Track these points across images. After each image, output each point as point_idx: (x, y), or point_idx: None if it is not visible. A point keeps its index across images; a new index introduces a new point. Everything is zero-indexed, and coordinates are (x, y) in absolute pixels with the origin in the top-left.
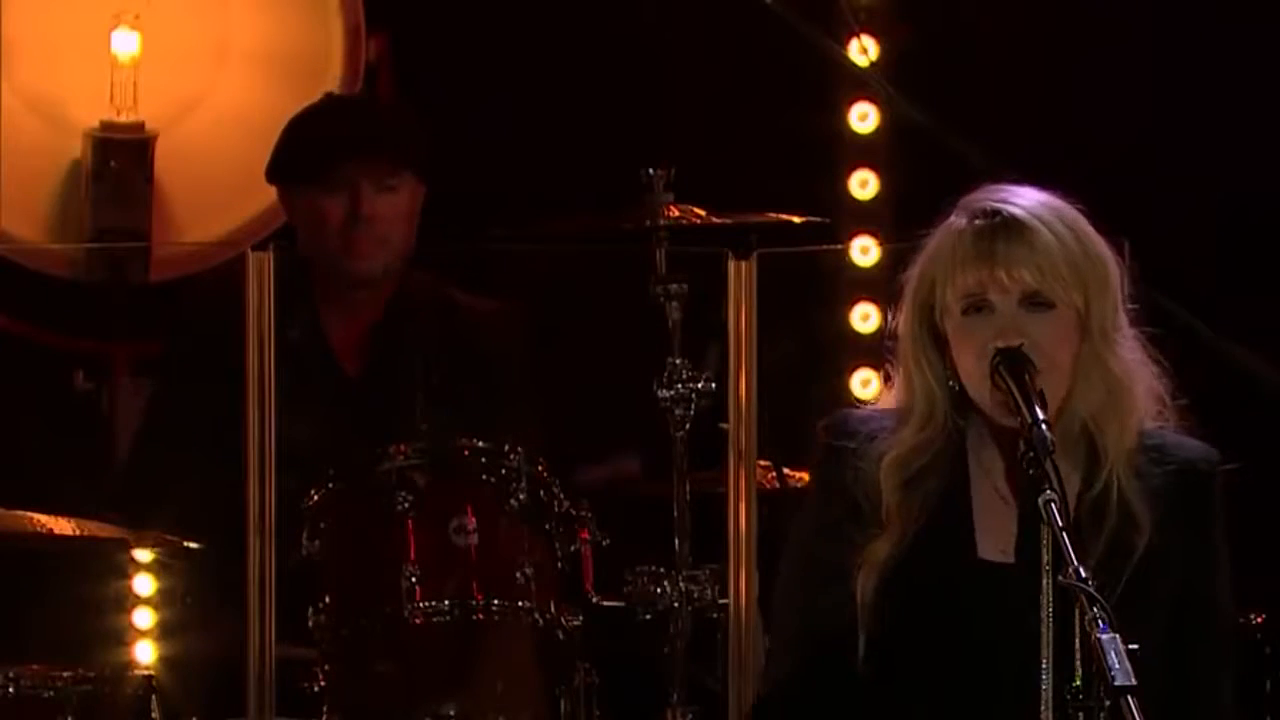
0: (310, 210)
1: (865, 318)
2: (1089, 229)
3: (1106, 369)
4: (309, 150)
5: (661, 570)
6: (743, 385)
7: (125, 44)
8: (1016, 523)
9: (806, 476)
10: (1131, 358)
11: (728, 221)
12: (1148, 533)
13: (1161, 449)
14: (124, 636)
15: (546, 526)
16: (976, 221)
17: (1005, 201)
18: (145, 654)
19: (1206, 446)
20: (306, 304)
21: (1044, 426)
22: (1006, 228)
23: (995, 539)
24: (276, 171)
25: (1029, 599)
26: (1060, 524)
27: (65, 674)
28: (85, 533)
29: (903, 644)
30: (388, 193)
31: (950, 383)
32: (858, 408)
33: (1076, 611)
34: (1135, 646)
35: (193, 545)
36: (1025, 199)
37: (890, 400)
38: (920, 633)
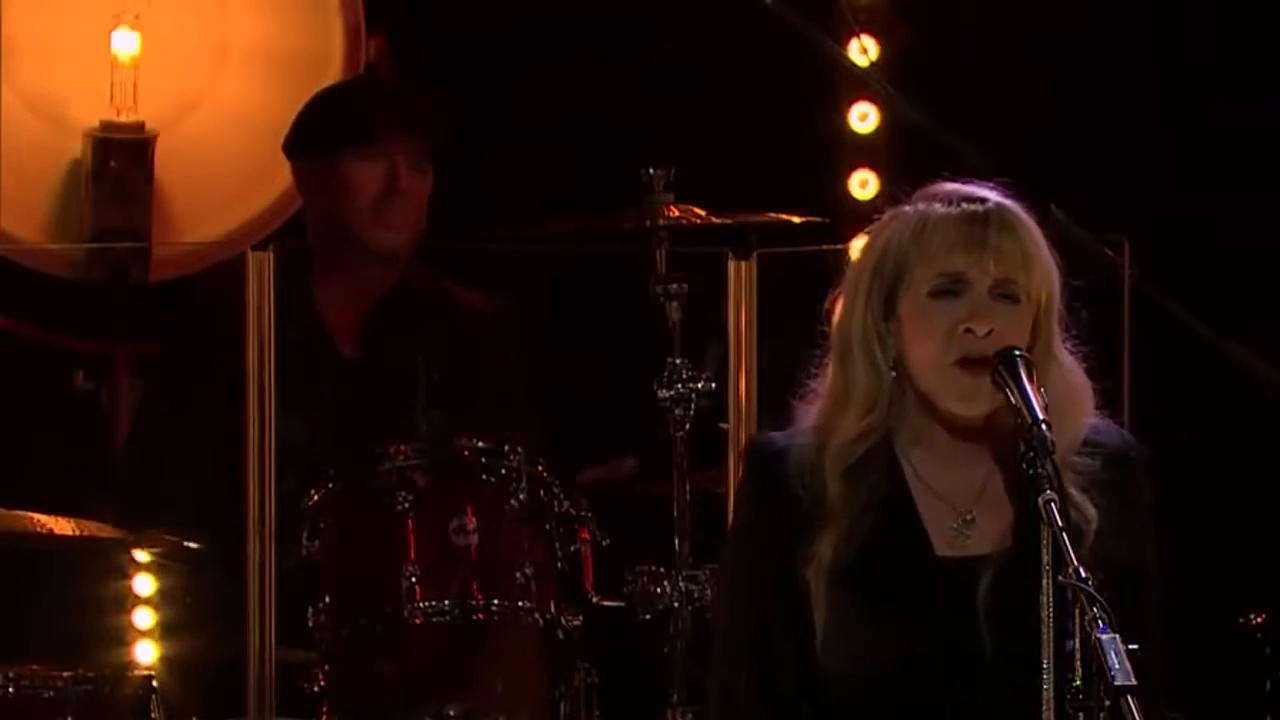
0: (344, 178)
1: None
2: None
3: (1057, 369)
4: (350, 119)
5: (661, 570)
6: (743, 385)
7: (125, 44)
8: (956, 521)
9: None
10: (1072, 361)
11: (728, 221)
12: (1095, 523)
13: (1088, 437)
14: (124, 636)
15: (546, 526)
16: (964, 206)
17: (978, 192)
18: (145, 654)
19: (1124, 431)
20: (303, 287)
21: (1045, 427)
22: (1000, 216)
23: (943, 538)
24: (311, 138)
25: (1003, 595)
26: (1060, 524)
27: (65, 674)
28: (85, 533)
29: (857, 640)
30: (419, 173)
31: (891, 368)
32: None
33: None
34: (1135, 647)
35: (193, 545)
36: (989, 190)
37: (810, 418)
38: (875, 629)
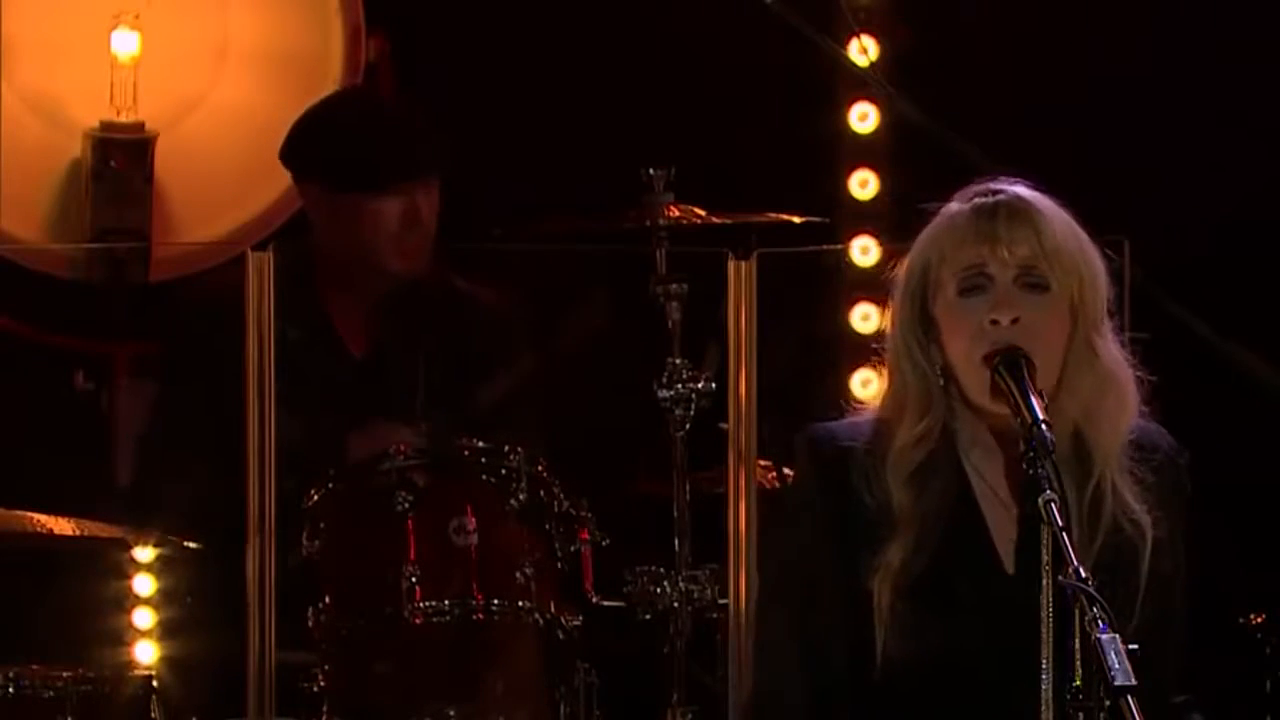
0: (362, 214)
1: (865, 318)
2: (1077, 224)
3: (1098, 362)
4: (370, 163)
5: (661, 570)
6: (743, 385)
7: (125, 44)
8: (1016, 526)
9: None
10: (1119, 360)
11: (728, 221)
12: (1150, 534)
13: (1139, 443)
14: (124, 636)
15: (546, 526)
16: (977, 200)
17: (1005, 186)
18: (145, 654)
19: (1167, 434)
20: (309, 290)
21: (1044, 427)
22: (1010, 206)
23: (1011, 551)
24: (320, 170)
25: (1036, 604)
26: (1060, 524)
27: (65, 674)
28: (85, 533)
29: (918, 648)
30: (430, 194)
31: (940, 375)
32: (832, 420)
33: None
34: (1135, 647)
35: (193, 545)
36: (1022, 187)
37: (872, 409)
38: (939, 639)
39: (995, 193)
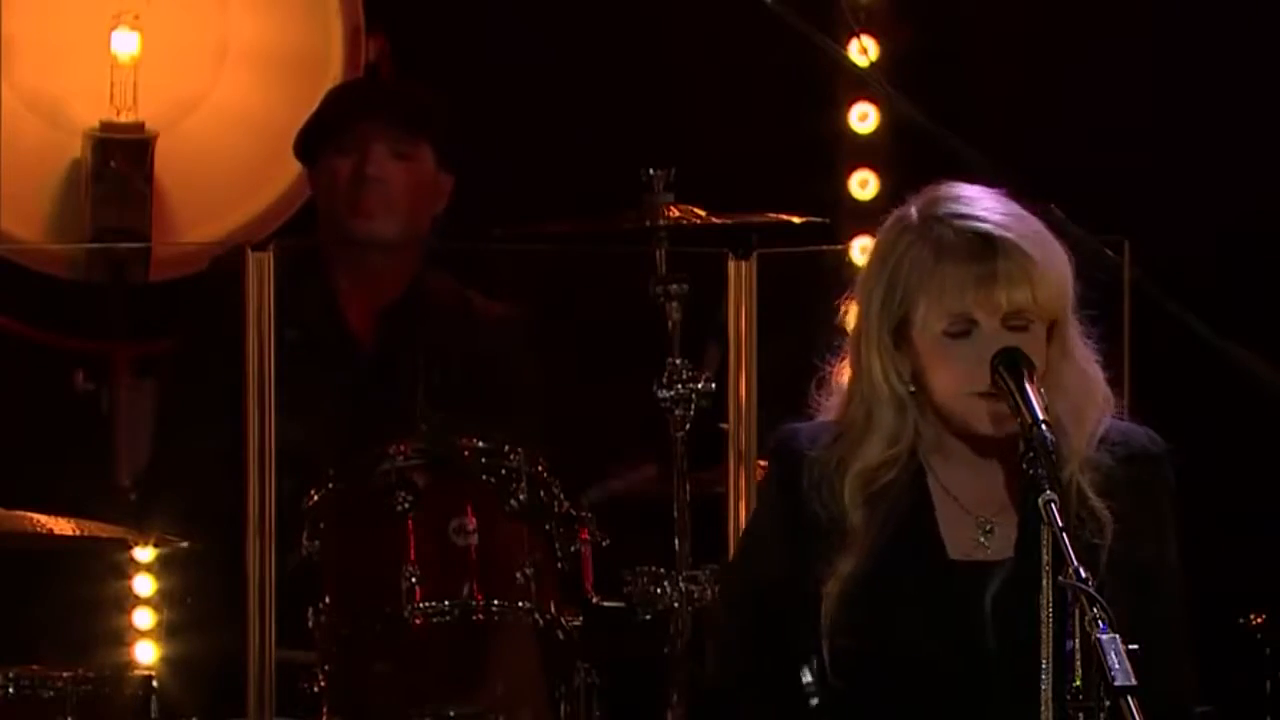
0: (324, 173)
1: None
2: (1049, 233)
3: (1073, 366)
4: (327, 116)
5: (661, 570)
6: (743, 385)
7: (125, 44)
8: (976, 528)
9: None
10: (1086, 358)
11: (728, 221)
12: (1110, 530)
13: (1110, 440)
14: (124, 636)
15: (546, 526)
16: (969, 239)
17: (984, 218)
18: (145, 654)
19: (1149, 430)
20: (322, 284)
21: (1044, 427)
22: (1006, 255)
23: (960, 545)
24: (303, 142)
25: (1012, 597)
26: (1060, 525)
27: (65, 674)
28: (85, 533)
29: (874, 653)
30: (402, 159)
31: (908, 384)
32: (804, 422)
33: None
34: (1135, 646)
35: (189, 545)
36: (995, 211)
37: (832, 410)
38: (893, 639)
39: (985, 236)
